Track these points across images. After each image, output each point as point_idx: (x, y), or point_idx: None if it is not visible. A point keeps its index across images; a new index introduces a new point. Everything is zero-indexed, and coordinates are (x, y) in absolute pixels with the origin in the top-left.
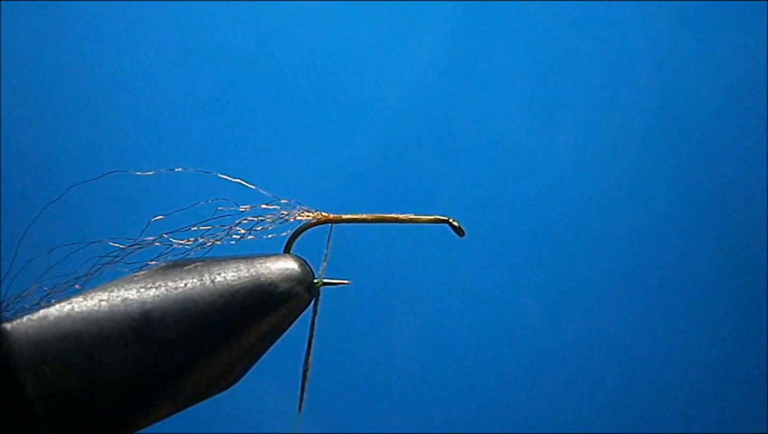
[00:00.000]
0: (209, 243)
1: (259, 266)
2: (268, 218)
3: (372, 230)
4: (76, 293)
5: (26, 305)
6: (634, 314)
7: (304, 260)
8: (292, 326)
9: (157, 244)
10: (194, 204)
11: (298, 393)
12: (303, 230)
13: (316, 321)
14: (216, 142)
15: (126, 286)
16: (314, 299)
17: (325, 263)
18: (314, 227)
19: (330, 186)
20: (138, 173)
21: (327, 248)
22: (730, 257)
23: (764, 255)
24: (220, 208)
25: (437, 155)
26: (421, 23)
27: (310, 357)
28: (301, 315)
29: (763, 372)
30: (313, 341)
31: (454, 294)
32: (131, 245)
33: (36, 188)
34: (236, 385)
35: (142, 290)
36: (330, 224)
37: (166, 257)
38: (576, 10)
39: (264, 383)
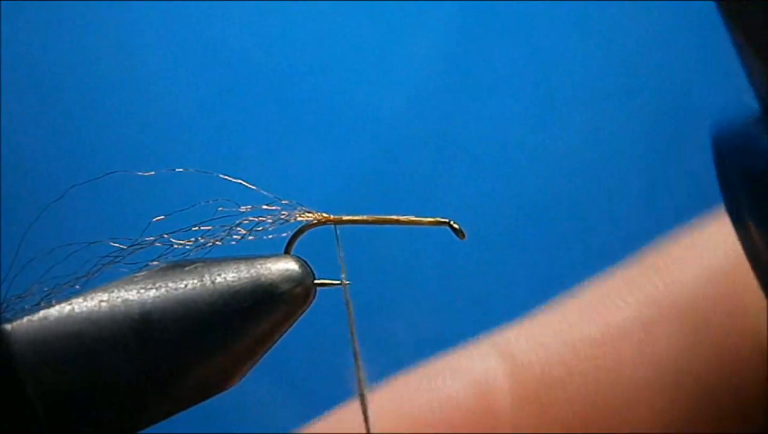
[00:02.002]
0: (210, 244)
1: (259, 266)
2: (269, 218)
3: (372, 232)
4: (77, 293)
5: (26, 306)
6: None
7: (305, 261)
8: (293, 327)
9: (158, 244)
10: (195, 205)
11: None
12: (303, 231)
13: (354, 333)
14: (217, 142)
15: (126, 287)
16: (348, 314)
17: (343, 265)
18: (315, 228)
19: (331, 187)
20: (139, 174)
21: (339, 249)
22: None
23: None
24: (221, 208)
25: (438, 156)
26: (421, 24)
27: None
28: (302, 316)
29: None
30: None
31: (455, 295)
32: (132, 246)
33: (36, 188)
34: (236, 385)
35: (142, 290)
36: (336, 226)
37: (166, 258)
38: (578, 9)
39: (264, 383)
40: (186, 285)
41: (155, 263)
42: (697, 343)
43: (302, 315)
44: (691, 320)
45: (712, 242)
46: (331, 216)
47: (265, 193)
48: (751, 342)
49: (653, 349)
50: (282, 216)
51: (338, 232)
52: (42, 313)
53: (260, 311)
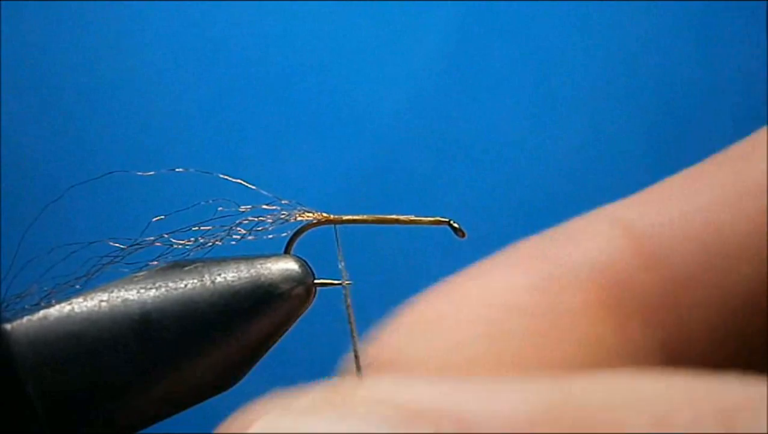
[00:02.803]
0: (210, 244)
1: (259, 266)
2: (269, 218)
3: (372, 232)
4: (77, 293)
5: (26, 306)
6: None
7: (305, 261)
8: (293, 326)
9: (158, 244)
10: (195, 204)
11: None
12: (303, 231)
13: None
14: (217, 142)
15: (126, 286)
16: (346, 302)
17: (343, 265)
18: (315, 228)
19: (331, 187)
20: (139, 174)
21: (338, 249)
22: None
23: None
24: (221, 208)
25: (438, 156)
26: (421, 23)
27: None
28: (302, 316)
29: None
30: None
31: None
32: (132, 246)
33: (36, 188)
34: (236, 386)
35: (142, 290)
36: (336, 226)
37: (166, 258)
38: (577, 10)
39: (264, 383)
40: (186, 285)
41: (155, 263)
42: None
43: (302, 315)
44: None
45: None
46: (331, 216)
47: (265, 193)
48: None
49: (750, 213)
50: (282, 216)
51: (338, 232)
52: (42, 313)
53: (260, 311)
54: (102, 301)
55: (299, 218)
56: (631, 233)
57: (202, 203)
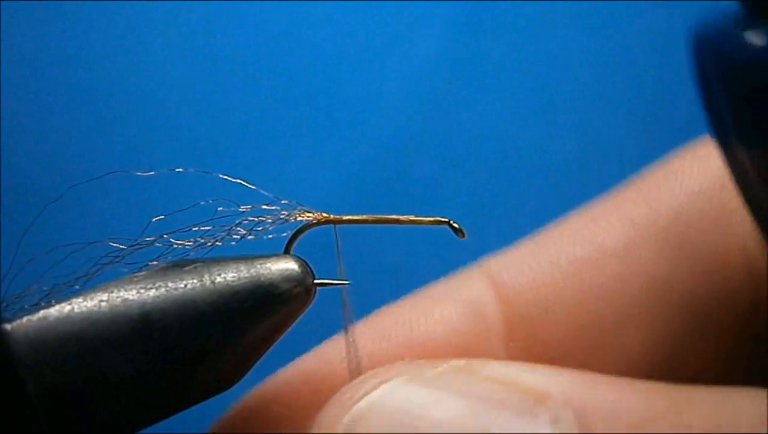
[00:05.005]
0: (209, 244)
1: (259, 266)
2: (269, 218)
3: (372, 232)
4: (76, 293)
5: (26, 306)
6: None
7: (305, 261)
8: (293, 326)
9: (158, 244)
10: (195, 205)
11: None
12: (303, 231)
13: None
14: (216, 142)
15: (126, 287)
16: (344, 312)
17: (341, 265)
18: (315, 228)
19: (331, 187)
20: (139, 174)
21: (337, 249)
22: None
23: None
24: (221, 208)
25: (439, 156)
26: (421, 23)
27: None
28: (302, 316)
29: None
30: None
31: None
32: (132, 246)
33: (36, 188)
34: (237, 385)
35: (142, 290)
36: (335, 226)
37: (166, 258)
38: (578, 9)
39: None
40: (186, 285)
41: (155, 263)
42: (682, 259)
43: (302, 315)
44: (676, 238)
45: (697, 165)
46: (331, 216)
47: (265, 193)
48: (738, 257)
49: (639, 267)
50: (282, 216)
51: (338, 232)
52: (42, 313)
53: (260, 311)
54: (102, 301)
55: (299, 218)
56: (497, 281)
57: (202, 203)
